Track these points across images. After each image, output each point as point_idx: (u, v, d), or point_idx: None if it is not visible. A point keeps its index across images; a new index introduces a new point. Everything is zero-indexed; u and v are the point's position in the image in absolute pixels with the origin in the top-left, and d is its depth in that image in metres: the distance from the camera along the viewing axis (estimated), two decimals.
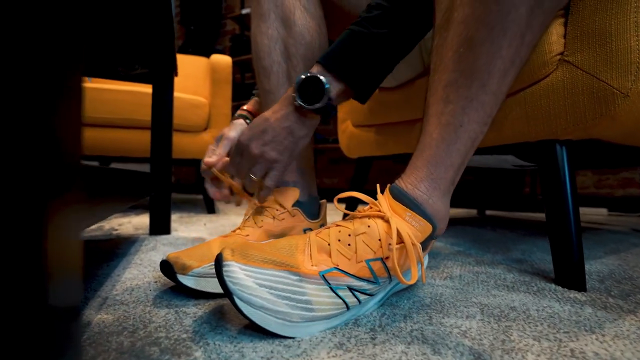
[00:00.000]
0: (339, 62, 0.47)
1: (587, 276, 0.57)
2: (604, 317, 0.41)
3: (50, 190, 0.14)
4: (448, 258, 0.69)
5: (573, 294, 0.48)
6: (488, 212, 1.74)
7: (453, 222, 1.30)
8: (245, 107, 0.70)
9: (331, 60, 0.47)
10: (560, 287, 0.51)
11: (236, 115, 0.69)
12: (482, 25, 0.36)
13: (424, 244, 0.39)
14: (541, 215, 1.63)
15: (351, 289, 0.36)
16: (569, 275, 0.51)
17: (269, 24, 0.55)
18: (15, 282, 0.13)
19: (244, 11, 2.93)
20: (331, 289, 0.35)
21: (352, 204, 1.19)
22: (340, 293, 0.35)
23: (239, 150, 0.50)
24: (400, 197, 0.39)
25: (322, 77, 0.45)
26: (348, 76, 0.47)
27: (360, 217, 0.39)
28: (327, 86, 0.45)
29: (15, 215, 0.13)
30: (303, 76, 0.46)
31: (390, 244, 0.36)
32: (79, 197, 0.17)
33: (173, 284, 0.50)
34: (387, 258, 0.36)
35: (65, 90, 0.15)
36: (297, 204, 0.57)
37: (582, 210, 1.81)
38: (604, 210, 1.76)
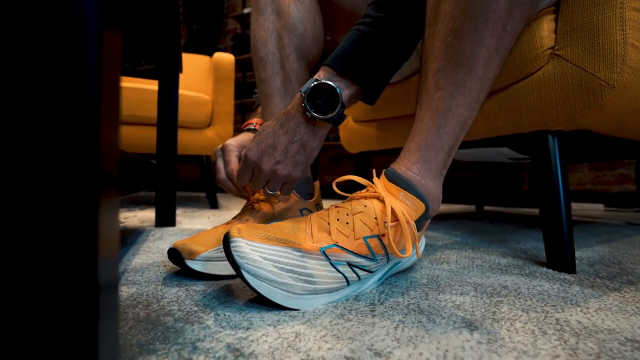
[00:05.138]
0: (353, 64, 0.45)
1: (577, 261, 0.60)
2: (590, 294, 0.43)
3: (100, 183, 0.16)
4: (445, 247, 0.72)
5: (563, 276, 0.51)
6: (486, 208, 1.76)
7: (451, 216, 1.33)
8: (254, 121, 0.65)
9: (344, 63, 0.45)
10: (551, 270, 0.53)
11: (243, 128, 0.64)
12: (466, 16, 0.39)
13: (419, 223, 0.42)
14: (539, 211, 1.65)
15: (350, 265, 0.38)
16: (559, 257, 0.54)
17: (266, 17, 0.59)
18: (72, 260, 0.16)
19: (246, 10, 2.96)
20: (331, 264, 0.37)
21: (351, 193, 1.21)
22: (340, 268, 0.38)
23: (248, 167, 0.47)
24: (394, 179, 0.41)
25: (332, 84, 0.44)
26: (362, 78, 0.46)
27: (357, 199, 0.41)
28: (339, 91, 0.44)
29: (73, 205, 0.16)
30: (312, 84, 0.43)
31: (385, 222, 0.39)
32: (117, 185, 0.19)
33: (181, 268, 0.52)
34: (383, 235, 0.39)
35: (111, 93, 0.18)
36: None
37: (579, 205, 1.83)
38: (600, 206, 1.79)
